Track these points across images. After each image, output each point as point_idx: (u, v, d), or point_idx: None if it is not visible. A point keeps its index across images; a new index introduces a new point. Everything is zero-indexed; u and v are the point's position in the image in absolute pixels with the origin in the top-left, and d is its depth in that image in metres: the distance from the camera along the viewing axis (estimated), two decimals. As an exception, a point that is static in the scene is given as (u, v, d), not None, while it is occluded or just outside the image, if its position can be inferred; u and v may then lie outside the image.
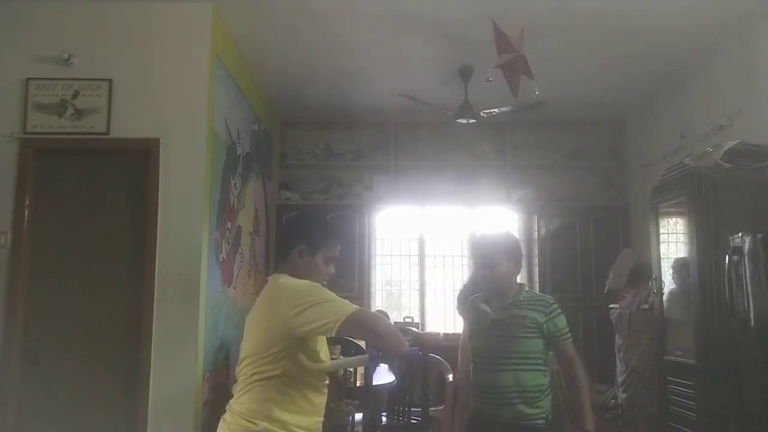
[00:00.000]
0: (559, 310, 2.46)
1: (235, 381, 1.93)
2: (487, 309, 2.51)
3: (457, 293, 4.97)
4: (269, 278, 1.98)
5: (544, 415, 2.41)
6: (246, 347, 1.90)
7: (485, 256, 2.51)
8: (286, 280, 1.90)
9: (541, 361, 2.45)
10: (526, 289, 2.55)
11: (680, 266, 3.71)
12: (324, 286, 1.93)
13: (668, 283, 3.84)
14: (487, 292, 2.57)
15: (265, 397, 1.81)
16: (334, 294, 1.85)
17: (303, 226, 2.03)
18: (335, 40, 4.27)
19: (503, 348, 2.42)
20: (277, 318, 1.82)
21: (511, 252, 2.52)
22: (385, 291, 6.39)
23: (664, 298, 3.84)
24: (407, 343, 1.87)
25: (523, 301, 2.47)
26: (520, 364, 2.40)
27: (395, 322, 5.97)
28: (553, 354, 2.49)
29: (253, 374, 1.84)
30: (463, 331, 4.50)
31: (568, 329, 2.46)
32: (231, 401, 1.91)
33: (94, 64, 3.58)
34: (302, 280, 1.90)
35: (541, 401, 2.42)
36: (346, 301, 1.84)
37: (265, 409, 1.80)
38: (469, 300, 2.69)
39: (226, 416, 1.89)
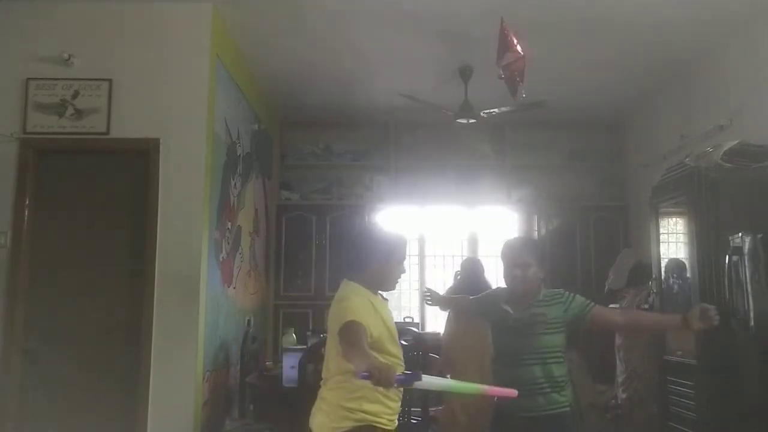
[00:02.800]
0: (572, 294, 2.57)
1: (324, 377, 2.21)
2: (509, 309, 2.58)
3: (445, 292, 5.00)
4: (342, 283, 2.30)
5: (568, 403, 2.51)
6: (329, 345, 2.20)
7: (518, 257, 2.58)
8: (348, 288, 2.23)
9: (561, 353, 2.55)
10: (543, 287, 2.62)
11: (675, 266, 3.72)
12: (397, 281, 2.34)
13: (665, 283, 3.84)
14: (513, 293, 2.63)
15: (357, 396, 2.08)
16: (356, 308, 2.11)
17: (374, 239, 2.37)
18: (335, 40, 4.27)
19: (527, 345, 2.51)
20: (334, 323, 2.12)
21: (540, 257, 2.64)
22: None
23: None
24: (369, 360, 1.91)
25: (541, 300, 2.56)
26: (544, 357, 2.50)
27: (395, 322, 5.95)
28: (593, 326, 2.60)
29: (340, 370, 2.11)
30: (453, 328, 4.52)
31: (587, 300, 2.55)
32: (324, 393, 2.18)
33: (94, 64, 3.58)
34: (356, 290, 2.21)
35: (566, 390, 2.52)
36: (354, 312, 2.08)
37: (358, 405, 2.09)
38: (490, 301, 2.76)
39: (323, 405, 2.16)
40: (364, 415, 2.08)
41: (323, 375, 2.25)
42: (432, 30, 4.09)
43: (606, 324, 2.63)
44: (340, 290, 2.26)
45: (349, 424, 2.08)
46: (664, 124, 5.10)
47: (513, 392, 2.16)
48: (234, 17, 3.90)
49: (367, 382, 1.83)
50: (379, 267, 2.27)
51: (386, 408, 2.14)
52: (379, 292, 2.35)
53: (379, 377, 1.78)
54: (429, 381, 2.00)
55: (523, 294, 2.58)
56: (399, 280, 2.36)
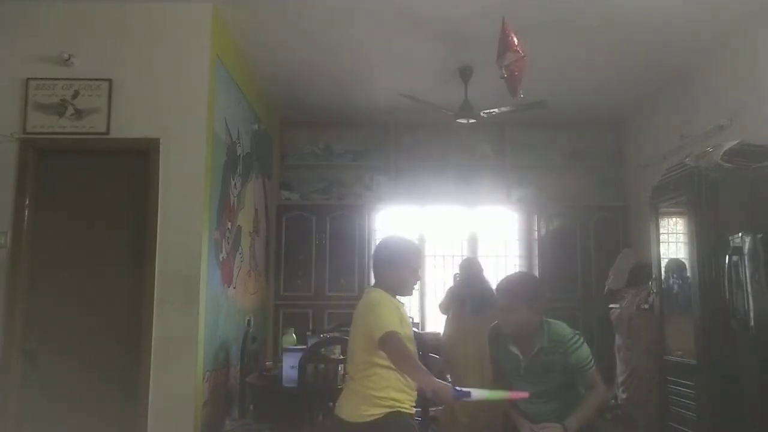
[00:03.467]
0: (579, 342, 2.53)
1: (350, 371, 2.45)
2: (518, 353, 2.59)
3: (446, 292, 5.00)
4: (366, 290, 2.58)
5: None
6: (356, 343, 2.43)
7: (505, 301, 2.57)
8: (375, 294, 2.46)
9: (573, 388, 2.59)
10: (546, 323, 2.57)
11: (675, 266, 3.72)
12: (415, 288, 2.57)
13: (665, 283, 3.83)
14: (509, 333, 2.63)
15: (385, 386, 2.35)
16: (390, 316, 2.34)
17: (390, 249, 2.55)
18: (336, 40, 4.27)
19: (540, 390, 2.52)
20: (366, 323, 2.36)
21: (530, 298, 2.54)
22: (385, 291, 6.37)
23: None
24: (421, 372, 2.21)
25: (548, 346, 2.53)
26: (558, 397, 2.55)
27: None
28: (578, 378, 2.59)
29: (367, 364, 2.35)
30: (453, 329, 4.53)
31: (590, 358, 2.53)
32: (353, 386, 2.42)
33: (94, 64, 3.58)
34: (383, 297, 2.43)
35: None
36: (389, 321, 2.31)
37: (387, 394, 2.35)
38: (497, 337, 2.71)
39: (354, 397, 2.39)
40: (393, 402, 2.35)
41: (348, 371, 2.48)
42: (432, 30, 4.08)
43: (590, 385, 2.59)
44: (369, 295, 2.48)
45: (383, 411, 2.34)
46: (664, 124, 5.10)
47: (525, 395, 2.36)
48: (234, 17, 3.90)
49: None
50: (394, 275, 2.48)
51: (408, 396, 2.41)
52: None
53: (436, 397, 2.18)
54: (474, 395, 2.18)
55: (517, 335, 2.57)
56: (415, 286, 2.56)
